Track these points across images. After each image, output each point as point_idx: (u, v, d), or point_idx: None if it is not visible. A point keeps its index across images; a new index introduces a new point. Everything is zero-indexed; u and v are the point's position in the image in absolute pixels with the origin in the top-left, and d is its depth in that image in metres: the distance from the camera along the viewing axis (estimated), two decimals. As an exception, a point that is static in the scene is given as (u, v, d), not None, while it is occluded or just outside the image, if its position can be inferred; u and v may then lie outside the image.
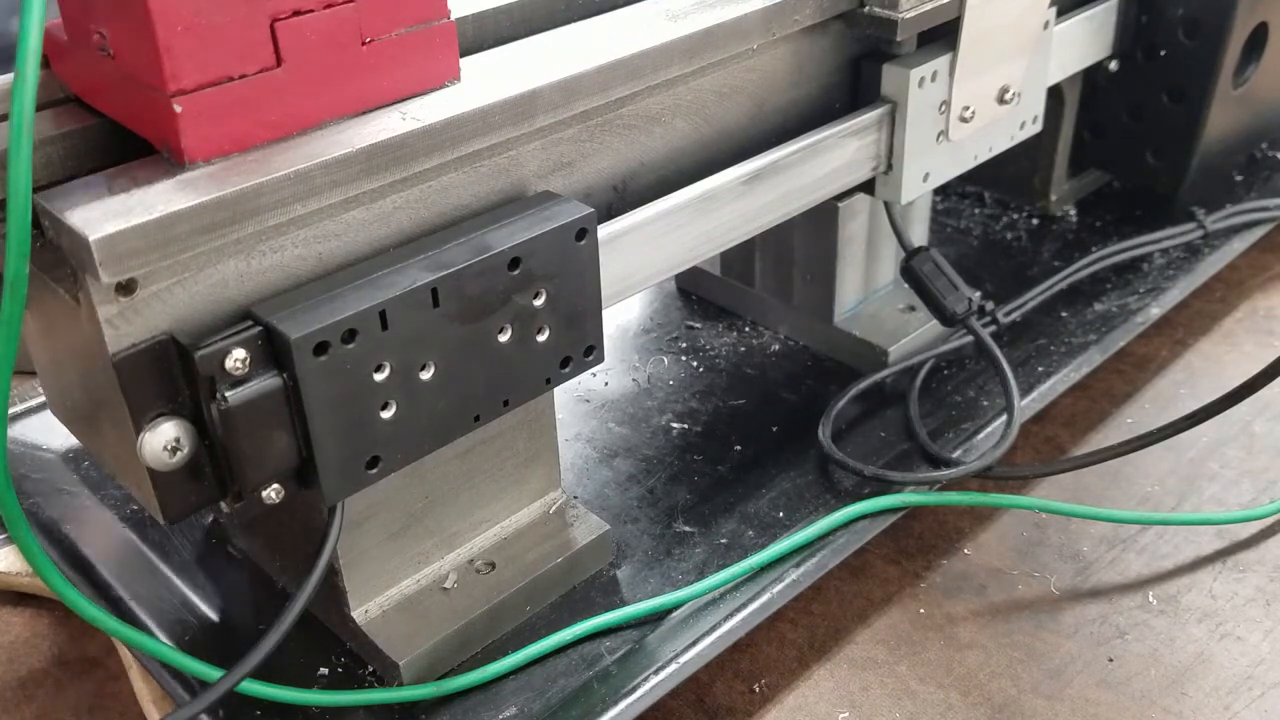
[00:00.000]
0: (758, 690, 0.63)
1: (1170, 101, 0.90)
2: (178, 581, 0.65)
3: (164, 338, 0.45)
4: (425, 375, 0.50)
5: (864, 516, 0.67)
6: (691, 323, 0.87)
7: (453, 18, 0.50)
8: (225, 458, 0.46)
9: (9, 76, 0.45)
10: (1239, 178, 1.01)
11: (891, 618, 0.67)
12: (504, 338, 0.52)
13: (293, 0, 0.45)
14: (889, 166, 0.71)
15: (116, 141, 0.47)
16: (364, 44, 0.47)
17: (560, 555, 0.63)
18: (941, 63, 0.69)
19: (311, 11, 0.45)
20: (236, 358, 0.45)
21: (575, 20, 0.59)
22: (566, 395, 0.79)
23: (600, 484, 0.72)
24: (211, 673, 0.53)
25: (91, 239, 0.40)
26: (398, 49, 0.48)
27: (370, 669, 0.59)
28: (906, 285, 0.79)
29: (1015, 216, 0.99)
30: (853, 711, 0.62)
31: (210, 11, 0.43)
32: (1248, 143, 1.00)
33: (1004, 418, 0.73)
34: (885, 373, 0.79)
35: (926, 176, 0.72)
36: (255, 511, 0.48)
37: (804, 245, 0.80)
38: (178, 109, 0.43)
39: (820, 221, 0.78)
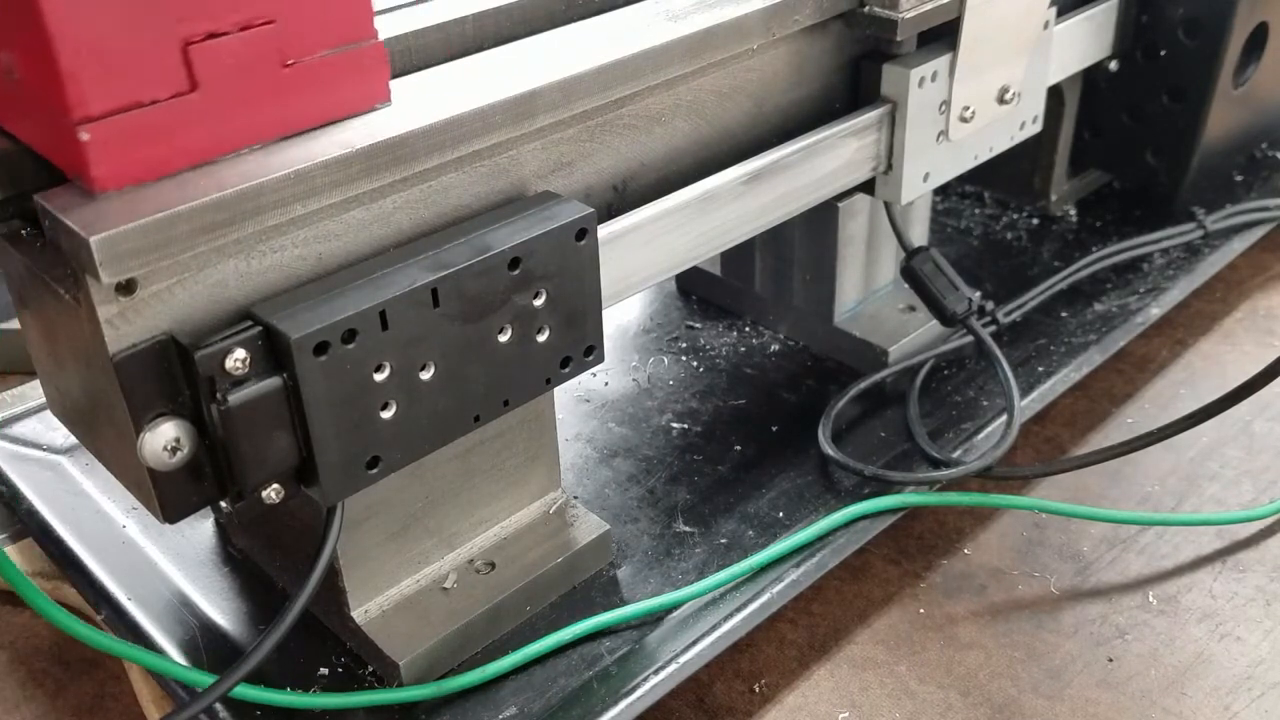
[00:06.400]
0: (758, 690, 0.63)
1: (1170, 101, 0.90)
2: (178, 581, 0.65)
3: (164, 338, 0.45)
4: (425, 375, 0.50)
5: (864, 517, 0.67)
6: (691, 323, 0.87)
7: (381, 38, 0.48)
8: (225, 458, 0.46)
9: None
10: (1239, 178, 1.01)
11: (891, 618, 0.67)
12: (504, 338, 0.52)
13: (206, 22, 0.42)
14: (889, 166, 0.71)
15: (39, 167, 0.45)
16: (285, 66, 0.45)
17: (560, 555, 0.63)
18: (941, 63, 0.69)
19: (227, 34, 0.43)
20: (236, 358, 0.44)
21: (575, 20, 0.59)
22: (566, 395, 0.79)
23: (600, 484, 0.72)
24: (202, 679, 0.53)
25: (92, 239, 0.40)
26: (322, 71, 0.46)
27: (370, 669, 0.59)
28: (906, 285, 0.79)
29: (1015, 216, 0.99)
30: (853, 711, 0.62)
31: (116, 35, 0.40)
32: (1248, 143, 1.00)
33: (1004, 418, 0.73)
34: (885, 373, 0.78)
35: (926, 176, 0.72)
36: (255, 511, 0.48)
37: (804, 245, 0.80)
38: (85, 137, 0.41)
39: (820, 221, 0.78)
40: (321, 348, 0.45)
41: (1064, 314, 0.85)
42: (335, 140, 0.46)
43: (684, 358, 0.83)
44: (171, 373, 0.45)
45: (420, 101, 0.50)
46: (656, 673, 0.58)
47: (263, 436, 0.46)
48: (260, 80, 0.45)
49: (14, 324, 0.91)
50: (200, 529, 0.68)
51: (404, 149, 0.48)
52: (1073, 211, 0.99)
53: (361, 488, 0.50)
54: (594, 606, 0.62)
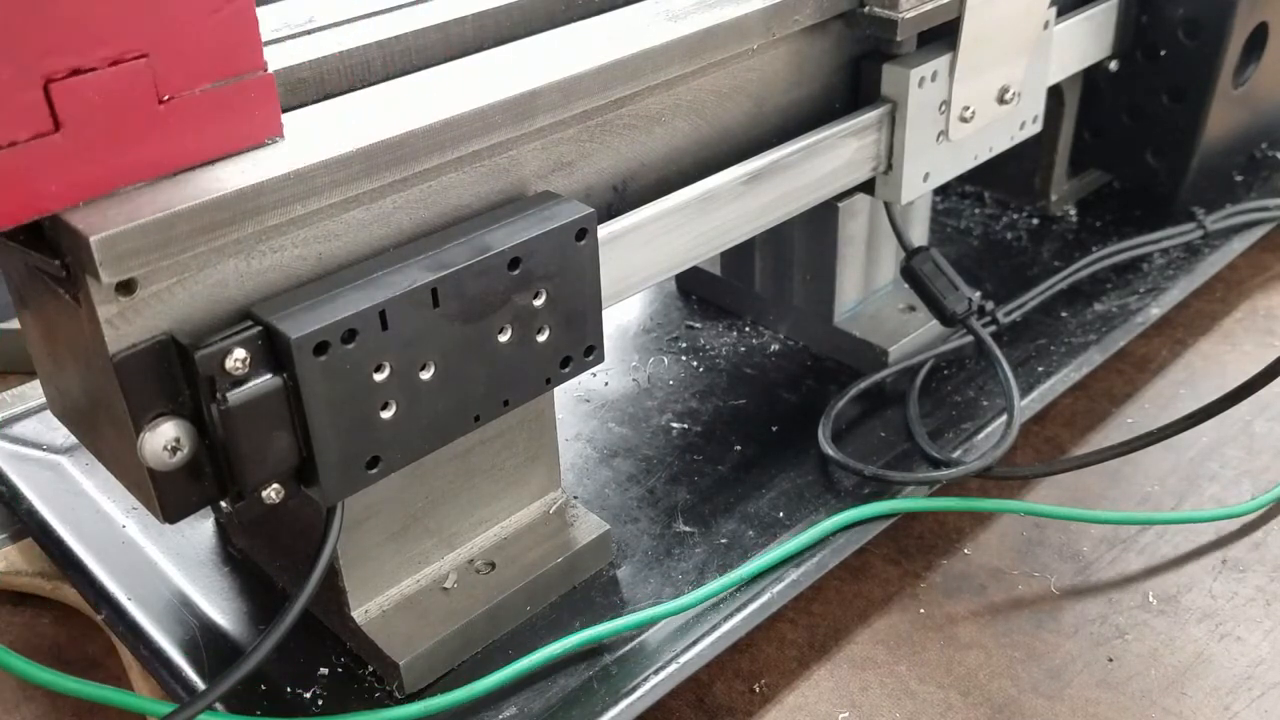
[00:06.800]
0: (758, 690, 0.63)
1: (1170, 101, 0.90)
2: (178, 581, 0.65)
3: (164, 338, 0.45)
4: (425, 375, 0.50)
5: (855, 524, 0.66)
6: (691, 323, 0.87)
7: (270, 70, 0.45)
8: (225, 458, 0.46)
9: None
10: (1239, 178, 1.01)
11: (891, 618, 0.67)
12: (504, 338, 0.52)
13: (70, 57, 0.39)
14: (889, 166, 0.71)
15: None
16: (161, 102, 0.42)
17: (560, 555, 0.63)
18: (941, 63, 0.69)
19: (94, 70, 0.40)
20: (236, 358, 0.45)
21: (575, 20, 0.59)
22: (566, 395, 0.79)
23: (600, 484, 0.72)
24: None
25: (92, 239, 0.40)
26: (204, 106, 0.43)
27: (370, 669, 0.59)
28: (906, 285, 0.79)
29: (1015, 216, 0.99)
30: (853, 711, 0.62)
31: None
32: (1248, 143, 1.00)
33: (1004, 418, 0.73)
34: (885, 373, 0.78)
35: (926, 176, 0.72)
36: (255, 511, 0.48)
37: (804, 245, 0.80)
38: None
39: (820, 221, 0.78)
40: (321, 348, 0.45)
41: (1064, 314, 0.85)
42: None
43: (684, 358, 0.83)
44: (171, 373, 0.45)
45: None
46: (656, 673, 0.58)
47: (263, 436, 0.46)
48: (132, 118, 0.42)
49: (14, 324, 0.91)
50: (200, 529, 0.68)
51: (404, 149, 0.48)
52: (1073, 211, 0.99)
53: (361, 488, 0.50)
54: (594, 606, 0.62)
